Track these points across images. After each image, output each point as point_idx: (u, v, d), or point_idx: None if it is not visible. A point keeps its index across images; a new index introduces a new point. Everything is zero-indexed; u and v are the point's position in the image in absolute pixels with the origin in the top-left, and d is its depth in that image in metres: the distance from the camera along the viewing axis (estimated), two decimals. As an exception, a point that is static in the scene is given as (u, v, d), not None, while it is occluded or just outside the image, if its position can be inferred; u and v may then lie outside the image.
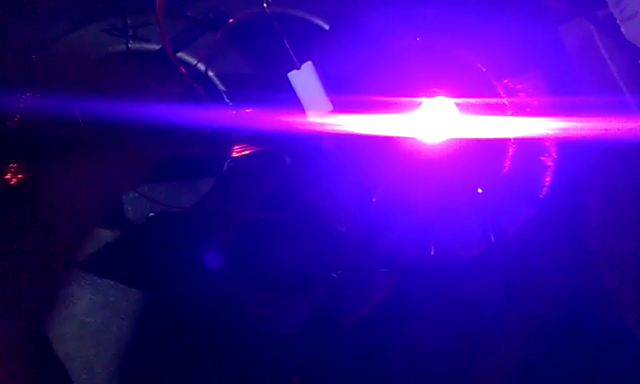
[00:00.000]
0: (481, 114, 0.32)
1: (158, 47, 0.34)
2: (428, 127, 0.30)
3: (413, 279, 0.32)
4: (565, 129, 0.30)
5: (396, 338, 0.33)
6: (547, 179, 0.32)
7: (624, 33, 0.51)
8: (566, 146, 0.32)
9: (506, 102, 0.33)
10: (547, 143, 0.32)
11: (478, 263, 0.31)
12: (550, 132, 0.31)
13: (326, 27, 0.35)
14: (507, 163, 0.33)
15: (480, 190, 0.31)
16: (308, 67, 0.33)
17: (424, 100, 0.31)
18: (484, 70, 0.34)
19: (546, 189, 0.32)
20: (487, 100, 0.32)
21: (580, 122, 0.31)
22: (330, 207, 0.31)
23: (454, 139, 0.30)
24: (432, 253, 0.32)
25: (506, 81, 0.34)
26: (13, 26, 0.35)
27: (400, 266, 0.32)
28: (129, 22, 0.34)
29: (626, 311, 0.61)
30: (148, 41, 0.34)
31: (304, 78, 0.32)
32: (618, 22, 0.51)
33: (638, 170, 0.59)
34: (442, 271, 0.32)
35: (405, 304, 0.32)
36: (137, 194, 0.36)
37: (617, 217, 0.62)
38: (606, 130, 0.30)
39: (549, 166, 0.32)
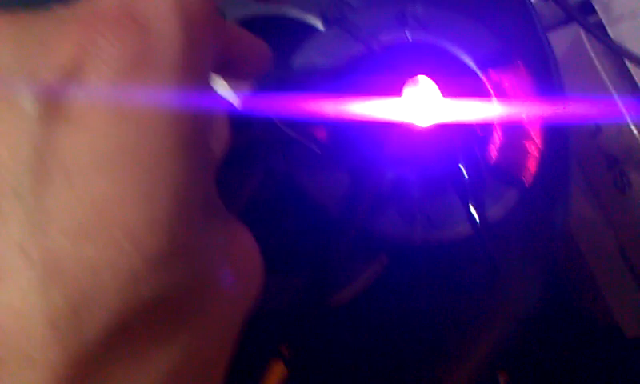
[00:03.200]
0: (463, 98, 0.33)
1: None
2: (413, 111, 0.32)
3: (402, 260, 0.33)
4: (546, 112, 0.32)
5: (386, 316, 0.34)
6: (533, 166, 0.34)
7: (611, 35, 0.53)
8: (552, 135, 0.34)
9: (491, 91, 0.35)
10: (533, 131, 0.34)
11: (465, 245, 0.33)
12: (531, 115, 0.32)
13: (321, 28, 0.37)
14: (493, 150, 0.34)
15: (462, 167, 0.32)
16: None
17: (407, 85, 0.32)
18: (468, 61, 0.36)
19: (531, 176, 0.33)
20: (470, 87, 0.34)
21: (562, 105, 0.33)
22: (321, 189, 0.33)
23: (438, 123, 0.32)
24: (420, 234, 0.33)
25: (492, 73, 0.35)
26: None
27: (390, 248, 0.33)
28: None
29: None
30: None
31: None
32: (605, 25, 0.53)
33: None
34: (431, 252, 0.34)
35: (395, 284, 0.34)
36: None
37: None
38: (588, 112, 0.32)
39: (534, 154, 0.34)
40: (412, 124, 0.32)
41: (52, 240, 0.14)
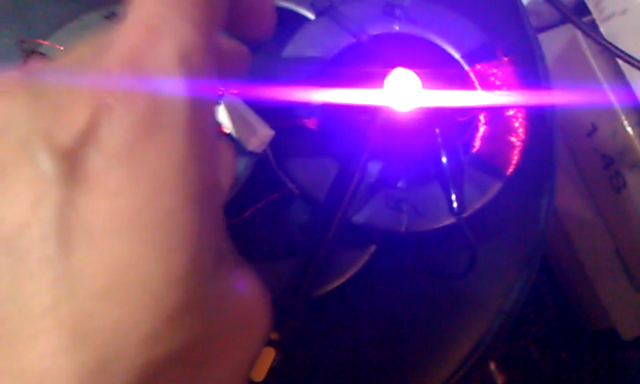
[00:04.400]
0: (446, 87, 0.34)
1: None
2: (395, 97, 0.32)
3: (386, 251, 0.34)
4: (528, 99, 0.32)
5: (371, 303, 0.35)
6: (515, 157, 0.34)
7: (603, 33, 0.53)
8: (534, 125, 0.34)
9: (476, 83, 0.35)
10: (517, 122, 0.34)
11: (448, 234, 0.33)
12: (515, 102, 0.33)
13: (312, 17, 0.37)
14: (476, 140, 0.35)
15: (444, 157, 0.32)
16: (228, 99, 0.32)
17: (389, 73, 0.33)
18: (454, 53, 0.36)
19: (513, 166, 0.34)
20: (455, 78, 0.34)
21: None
22: (309, 179, 0.33)
23: (420, 110, 0.32)
24: (406, 223, 0.33)
25: (478, 66, 0.36)
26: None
27: (374, 238, 0.33)
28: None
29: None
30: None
31: (230, 112, 0.32)
32: (597, 23, 0.54)
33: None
34: (416, 241, 0.34)
35: (381, 271, 0.34)
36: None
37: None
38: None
39: (517, 145, 0.34)
40: (394, 111, 0.32)
41: (80, 301, 0.14)
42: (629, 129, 0.58)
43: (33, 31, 0.39)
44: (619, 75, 0.56)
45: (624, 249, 0.60)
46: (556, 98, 0.34)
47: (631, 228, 0.59)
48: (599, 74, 0.62)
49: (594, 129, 0.62)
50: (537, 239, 0.36)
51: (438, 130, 0.33)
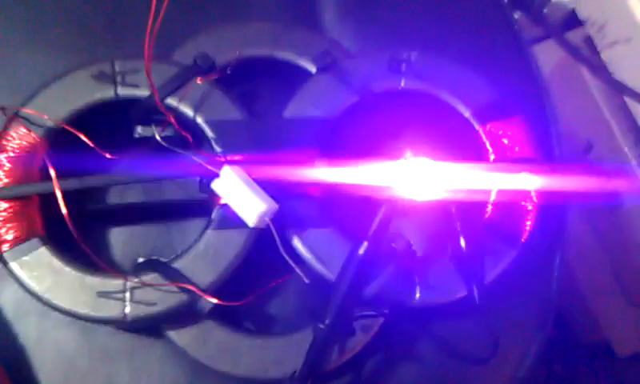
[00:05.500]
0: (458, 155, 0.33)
1: (146, 93, 0.34)
2: (410, 185, 0.31)
3: (397, 323, 0.33)
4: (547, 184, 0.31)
5: (381, 379, 0.34)
6: (528, 224, 0.33)
7: (604, 60, 0.52)
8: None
9: (489, 149, 0.34)
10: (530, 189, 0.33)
11: (461, 309, 0.32)
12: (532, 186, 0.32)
13: (313, 71, 0.35)
14: (487, 210, 0.33)
15: (463, 243, 0.32)
16: (228, 172, 0.31)
17: (405, 158, 0.32)
18: (466, 114, 0.35)
19: (527, 234, 0.33)
20: (466, 139, 0.33)
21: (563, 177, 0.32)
22: (318, 255, 0.32)
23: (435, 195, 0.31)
24: (417, 298, 0.32)
25: (488, 127, 0.34)
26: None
27: (385, 310, 0.33)
28: (117, 69, 0.34)
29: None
30: (136, 87, 0.34)
31: (230, 185, 0.31)
32: (598, 48, 0.52)
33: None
34: (426, 316, 0.33)
35: (389, 347, 0.34)
36: (126, 239, 0.36)
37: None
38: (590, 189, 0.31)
39: (530, 212, 0.33)
40: (408, 197, 0.31)
41: None
42: (625, 148, 0.58)
43: (16, 87, 0.36)
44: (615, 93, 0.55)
45: (620, 267, 0.61)
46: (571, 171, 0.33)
47: (627, 247, 0.60)
48: (593, 89, 0.61)
49: (590, 146, 0.61)
50: (550, 308, 0.35)
51: (453, 210, 0.32)
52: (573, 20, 0.60)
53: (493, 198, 0.33)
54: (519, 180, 0.32)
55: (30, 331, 0.34)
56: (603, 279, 0.63)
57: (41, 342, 0.34)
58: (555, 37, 0.56)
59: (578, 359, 0.66)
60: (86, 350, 0.34)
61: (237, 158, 0.33)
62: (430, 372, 0.34)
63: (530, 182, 0.32)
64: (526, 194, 0.33)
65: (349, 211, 0.34)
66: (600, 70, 0.57)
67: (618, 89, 0.54)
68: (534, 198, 0.33)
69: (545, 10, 0.61)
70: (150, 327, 0.33)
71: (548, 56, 0.61)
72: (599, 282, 0.64)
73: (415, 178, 0.31)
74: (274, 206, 0.31)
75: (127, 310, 0.31)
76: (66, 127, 0.32)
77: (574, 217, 0.64)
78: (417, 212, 0.34)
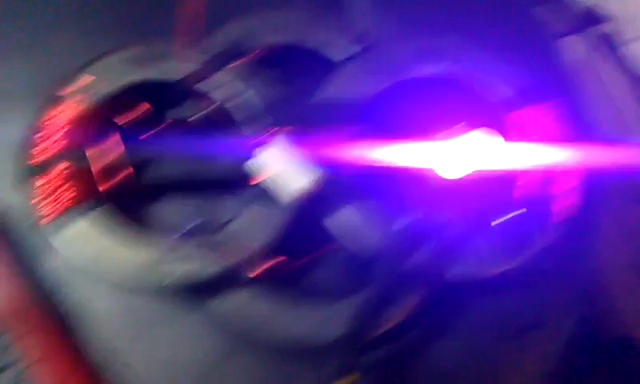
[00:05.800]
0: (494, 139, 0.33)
1: (179, 77, 0.34)
2: (452, 161, 0.31)
3: (437, 297, 0.33)
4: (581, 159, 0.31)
5: (418, 352, 0.35)
6: (565, 206, 0.33)
7: (627, 53, 0.52)
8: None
9: (515, 130, 0.34)
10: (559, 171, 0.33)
11: (499, 284, 0.33)
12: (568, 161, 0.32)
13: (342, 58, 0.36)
14: (520, 190, 0.34)
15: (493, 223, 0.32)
16: (270, 149, 0.33)
17: (450, 134, 0.32)
18: (492, 99, 0.35)
19: (558, 216, 0.33)
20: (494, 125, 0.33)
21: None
22: (360, 229, 0.33)
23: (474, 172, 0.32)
24: (453, 274, 0.33)
25: (516, 113, 0.35)
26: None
27: (426, 284, 0.33)
28: (150, 52, 0.35)
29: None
30: (169, 70, 0.35)
31: (272, 161, 0.32)
32: (622, 40, 0.52)
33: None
34: (465, 290, 0.34)
35: (429, 319, 0.34)
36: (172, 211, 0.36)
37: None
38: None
39: (562, 193, 0.33)
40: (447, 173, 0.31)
41: None
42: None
43: (51, 68, 0.37)
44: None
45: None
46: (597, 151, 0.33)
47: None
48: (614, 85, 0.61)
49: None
50: (583, 295, 0.35)
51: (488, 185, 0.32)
52: (592, 17, 0.60)
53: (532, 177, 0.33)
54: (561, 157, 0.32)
55: (78, 297, 0.35)
56: (626, 272, 0.62)
57: (89, 307, 0.35)
58: (577, 32, 0.56)
59: (603, 355, 0.65)
60: (132, 317, 0.35)
61: (277, 135, 0.34)
62: (467, 344, 0.35)
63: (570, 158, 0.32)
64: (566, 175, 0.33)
65: (390, 187, 0.34)
66: (621, 64, 0.57)
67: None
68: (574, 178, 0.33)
69: (567, 7, 0.61)
70: (193, 296, 0.34)
71: (570, 51, 0.61)
72: (622, 275, 0.63)
73: (465, 154, 0.31)
74: (315, 179, 0.32)
75: (172, 277, 0.32)
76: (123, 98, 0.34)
77: (602, 211, 0.63)
78: (458, 189, 0.35)
